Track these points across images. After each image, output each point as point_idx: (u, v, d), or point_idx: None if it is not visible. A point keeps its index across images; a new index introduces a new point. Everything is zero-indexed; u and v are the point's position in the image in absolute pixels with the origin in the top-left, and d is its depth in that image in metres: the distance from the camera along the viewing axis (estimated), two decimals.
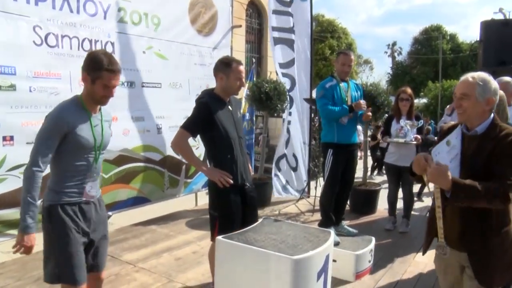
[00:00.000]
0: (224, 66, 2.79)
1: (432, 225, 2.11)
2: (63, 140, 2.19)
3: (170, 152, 4.67)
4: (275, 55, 5.74)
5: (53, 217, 2.22)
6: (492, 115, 2.03)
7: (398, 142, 4.82)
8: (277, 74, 5.82)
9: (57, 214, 2.22)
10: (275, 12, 5.74)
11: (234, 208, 2.76)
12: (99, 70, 2.21)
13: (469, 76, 2.05)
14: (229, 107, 2.82)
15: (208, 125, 2.69)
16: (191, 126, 2.71)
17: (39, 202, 2.13)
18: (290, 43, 5.79)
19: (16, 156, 3.37)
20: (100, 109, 2.40)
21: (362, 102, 4.06)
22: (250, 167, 3.03)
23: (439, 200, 1.95)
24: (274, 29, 5.70)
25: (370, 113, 4.24)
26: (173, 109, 4.70)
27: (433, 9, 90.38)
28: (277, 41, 5.73)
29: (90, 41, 3.87)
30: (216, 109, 2.71)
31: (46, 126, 2.18)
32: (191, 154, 2.81)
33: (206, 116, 2.69)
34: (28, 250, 2.16)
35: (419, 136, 4.84)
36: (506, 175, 1.84)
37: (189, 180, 5.13)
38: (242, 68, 2.84)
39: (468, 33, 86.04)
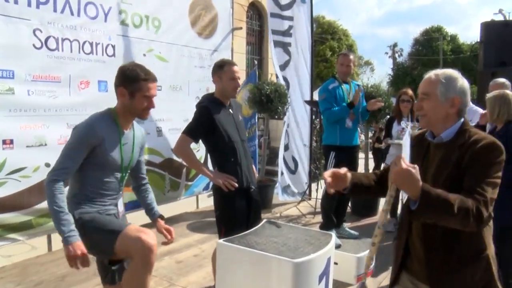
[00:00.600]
0: (218, 68, 2.82)
1: (398, 251, 1.78)
2: (91, 153, 2.11)
3: (170, 154, 4.66)
4: (274, 58, 5.76)
5: (86, 230, 2.10)
6: (462, 119, 1.71)
7: (400, 143, 4.80)
8: (277, 77, 5.83)
9: (88, 218, 2.14)
10: (272, 15, 5.76)
11: (240, 213, 2.75)
12: (137, 81, 2.16)
13: (433, 73, 1.76)
14: (230, 110, 2.82)
15: (209, 129, 2.68)
16: (193, 132, 2.70)
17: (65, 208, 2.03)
18: (285, 46, 5.83)
19: (16, 159, 3.36)
20: (132, 128, 2.33)
21: (358, 90, 4.05)
22: (254, 169, 3.01)
23: (389, 204, 1.62)
24: (273, 32, 5.73)
25: (378, 102, 4.13)
26: (173, 112, 4.69)
27: (433, 10, 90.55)
28: (276, 44, 5.76)
29: (91, 44, 3.86)
30: (216, 113, 2.70)
31: (75, 137, 2.10)
32: (194, 159, 2.82)
33: (207, 120, 2.68)
34: (81, 259, 1.98)
35: None
36: (479, 190, 1.51)
37: (190, 183, 5.11)
38: (235, 68, 2.84)
39: (469, 33, 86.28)
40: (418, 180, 1.46)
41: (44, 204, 3.48)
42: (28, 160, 3.43)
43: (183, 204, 5.35)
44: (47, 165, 3.48)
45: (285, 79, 5.81)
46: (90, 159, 2.11)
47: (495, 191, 1.56)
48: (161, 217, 2.51)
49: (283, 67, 5.81)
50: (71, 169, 2.07)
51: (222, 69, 2.81)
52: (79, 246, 1.97)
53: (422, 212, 1.47)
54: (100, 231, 2.12)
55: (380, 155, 9.99)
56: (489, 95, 3.63)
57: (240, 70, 3.19)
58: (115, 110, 2.23)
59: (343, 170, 1.81)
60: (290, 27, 5.86)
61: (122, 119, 2.24)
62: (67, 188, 2.17)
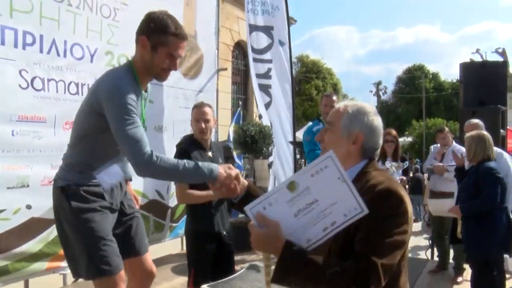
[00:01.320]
0: (191, 111, 2.92)
1: None
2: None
3: (155, 196, 4.60)
4: (258, 100, 5.88)
5: (73, 198, 1.91)
6: (366, 161, 1.47)
7: None
8: (260, 117, 5.92)
9: (78, 194, 1.91)
10: (254, 59, 5.95)
11: (208, 256, 2.77)
12: (165, 34, 1.82)
13: (344, 103, 1.55)
14: (209, 153, 2.84)
15: None
16: None
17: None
18: (265, 88, 5.99)
19: None
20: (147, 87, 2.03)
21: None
22: (228, 214, 3.07)
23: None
24: (256, 75, 5.89)
25: None
26: (158, 153, 4.66)
27: (415, 48, 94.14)
28: (260, 87, 5.92)
29: (77, 84, 3.86)
30: (194, 155, 2.73)
31: (123, 107, 1.76)
32: (200, 195, 2.74)
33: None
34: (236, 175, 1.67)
35: (404, 178, 4.88)
36: (369, 253, 1.22)
37: (174, 224, 5.02)
38: (204, 110, 2.85)
39: (450, 71, 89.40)
40: (277, 239, 1.26)
41: (23, 248, 3.38)
42: (9, 202, 3.34)
43: (168, 246, 5.24)
44: (28, 206, 3.40)
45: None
46: (104, 122, 1.84)
47: (395, 254, 1.27)
48: (131, 179, 2.33)
49: (266, 107, 5.94)
50: (145, 136, 1.81)
51: (192, 111, 2.91)
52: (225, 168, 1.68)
53: (280, 273, 1.25)
54: (91, 248, 1.91)
55: None
56: (466, 135, 3.75)
57: (225, 110, 3.25)
58: (133, 65, 1.93)
59: (235, 171, 1.68)
60: (269, 69, 6.06)
61: (141, 76, 1.94)
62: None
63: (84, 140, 2.03)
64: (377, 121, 1.51)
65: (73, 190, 1.96)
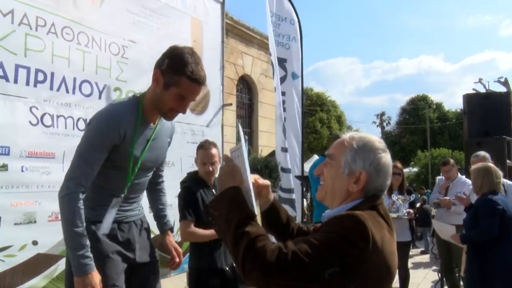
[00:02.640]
0: (197, 149, 2.95)
1: None
2: (110, 152, 1.79)
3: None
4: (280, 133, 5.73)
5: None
6: (361, 200, 1.32)
7: (391, 217, 4.80)
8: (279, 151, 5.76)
9: (89, 233, 1.80)
10: (275, 89, 5.84)
11: None
12: (179, 74, 1.72)
13: (349, 134, 1.41)
14: (213, 190, 2.88)
15: (194, 208, 2.74)
16: (186, 214, 2.78)
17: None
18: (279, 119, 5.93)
19: (2, 238, 3.26)
20: (159, 123, 1.94)
21: None
22: None
23: None
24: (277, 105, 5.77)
25: None
26: (165, 188, 4.68)
27: (418, 79, 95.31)
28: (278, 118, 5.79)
29: (85, 120, 3.90)
30: (199, 192, 2.77)
31: (95, 135, 1.76)
32: (205, 234, 2.77)
33: (190, 199, 2.74)
34: None
35: (411, 211, 4.85)
36: (289, 242, 1.19)
37: None
38: (210, 152, 2.81)
39: (454, 101, 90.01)
40: (234, 180, 1.32)
41: (27, 284, 3.35)
42: (15, 238, 3.33)
43: (173, 281, 5.17)
44: (34, 243, 3.39)
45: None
46: (106, 158, 1.80)
47: (308, 254, 1.12)
48: (171, 229, 2.21)
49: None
50: (90, 176, 1.74)
51: (197, 151, 2.87)
52: (97, 276, 1.66)
53: (214, 203, 1.31)
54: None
55: None
56: (472, 168, 3.76)
57: (231, 144, 3.28)
58: (142, 97, 1.86)
59: (267, 182, 1.59)
60: (284, 101, 6.01)
61: (149, 110, 1.84)
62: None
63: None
64: (386, 159, 1.34)
65: (87, 231, 1.88)
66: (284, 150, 5.37)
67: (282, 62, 5.97)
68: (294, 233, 1.61)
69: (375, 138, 1.40)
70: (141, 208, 2.12)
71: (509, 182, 4.30)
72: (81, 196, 1.74)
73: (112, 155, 1.81)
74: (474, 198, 3.93)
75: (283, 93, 6.00)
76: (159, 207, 2.24)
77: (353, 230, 1.16)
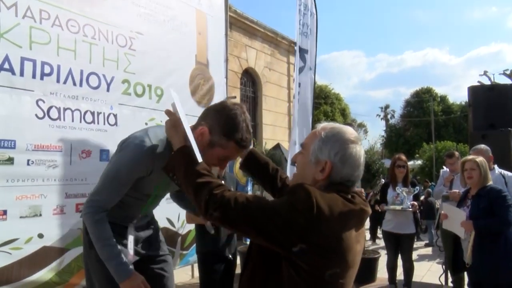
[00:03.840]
0: None
1: None
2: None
3: (165, 223, 4.59)
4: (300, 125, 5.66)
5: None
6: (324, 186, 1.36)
7: (395, 209, 4.80)
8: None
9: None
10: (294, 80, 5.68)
11: (215, 277, 3.10)
12: (228, 138, 1.66)
13: (322, 124, 1.44)
14: (222, 182, 2.93)
15: None
16: None
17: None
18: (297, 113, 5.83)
19: (8, 231, 3.27)
20: None
21: None
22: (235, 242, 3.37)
23: None
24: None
25: None
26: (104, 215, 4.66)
27: (423, 71, 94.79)
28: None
29: (92, 113, 3.90)
30: None
31: (124, 165, 1.77)
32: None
33: None
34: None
35: (415, 203, 4.84)
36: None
37: (185, 252, 4.99)
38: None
39: (459, 94, 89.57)
40: (178, 131, 1.57)
41: (33, 277, 3.37)
42: (21, 231, 3.35)
43: (178, 274, 5.18)
44: (40, 236, 3.41)
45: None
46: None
47: (259, 208, 1.27)
48: None
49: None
50: (113, 204, 1.83)
51: None
52: (139, 277, 1.78)
53: (171, 164, 1.51)
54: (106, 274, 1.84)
55: (375, 220, 9.97)
56: (478, 160, 3.75)
57: None
58: None
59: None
60: (298, 93, 5.90)
61: None
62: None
63: None
64: (354, 150, 1.36)
65: None
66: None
67: (303, 53, 5.75)
68: (278, 181, 1.80)
69: (348, 129, 1.42)
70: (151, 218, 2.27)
71: (509, 173, 4.28)
72: (104, 213, 1.83)
73: (132, 187, 1.87)
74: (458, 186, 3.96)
75: (299, 85, 5.82)
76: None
77: (299, 197, 1.26)
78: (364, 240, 1.44)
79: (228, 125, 1.65)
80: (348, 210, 1.30)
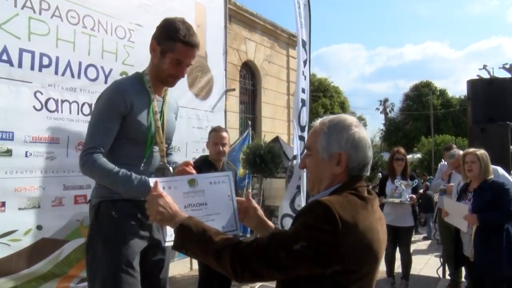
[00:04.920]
0: (209, 133, 3.30)
1: None
2: (123, 125, 1.85)
3: None
4: (301, 118, 5.59)
5: (102, 216, 1.85)
6: (342, 183, 1.33)
7: (394, 202, 4.82)
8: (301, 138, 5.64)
9: (107, 212, 1.84)
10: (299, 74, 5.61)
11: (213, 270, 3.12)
12: (173, 40, 1.83)
13: (319, 120, 1.42)
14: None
15: None
16: None
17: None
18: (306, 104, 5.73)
19: (7, 222, 3.28)
20: (165, 93, 2.01)
21: None
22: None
23: None
24: (302, 90, 5.51)
25: None
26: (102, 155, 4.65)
27: (423, 65, 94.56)
28: (303, 103, 5.58)
29: (90, 105, 3.88)
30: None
31: (103, 106, 1.83)
32: None
33: None
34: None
35: (414, 196, 4.85)
36: (252, 242, 1.26)
37: None
38: (221, 134, 3.19)
39: (458, 87, 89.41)
40: (177, 212, 1.39)
41: (32, 269, 3.38)
42: (20, 222, 3.35)
43: (176, 266, 5.21)
44: (39, 227, 3.42)
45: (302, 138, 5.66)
46: (119, 131, 1.86)
47: (279, 252, 1.18)
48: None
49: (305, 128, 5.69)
50: (105, 146, 1.81)
51: (210, 134, 3.24)
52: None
53: (177, 241, 1.35)
54: (107, 275, 1.80)
55: None
56: (478, 152, 3.74)
57: (234, 130, 3.45)
58: (143, 72, 1.96)
59: (253, 202, 1.62)
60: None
61: (153, 82, 1.93)
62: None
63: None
64: (360, 133, 1.34)
65: (104, 210, 1.89)
66: (302, 138, 5.27)
67: (304, 45, 5.63)
68: None
69: (345, 116, 1.40)
70: None
71: (493, 166, 4.27)
72: (99, 154, 1.80)
73: (124, 127, 1.87)
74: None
75: (306, 78, 5.61)
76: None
77: (319, 216, 1.19)
78: (384, 223, 1.40)
79: (168, 29, 1.83)
80: (368, 210, 1.29)
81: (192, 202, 1.55)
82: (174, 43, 1.83)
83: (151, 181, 1.48)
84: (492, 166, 3.78)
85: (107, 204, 1.87)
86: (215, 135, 3.22)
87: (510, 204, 3.43)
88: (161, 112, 1.99)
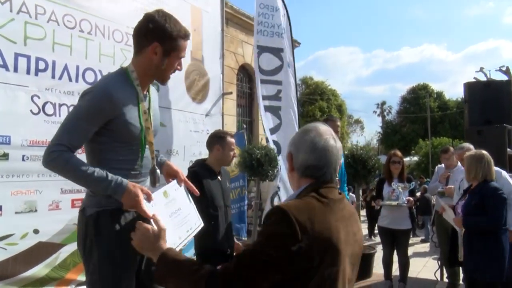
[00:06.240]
0: (219, 139, 3.13)
1: None
2: (106, 127, 1.77)
3: None
4: (264, 122, 5.86)
5: (102, 227, 1.78)
6: (305, 185, 1.40)
7: (391, 205, 4.83)
8: (267, 140, 5.91)
9: (108, 225, 1.78)
10: (262, 81, 5.95)
11: None
12: (175, 39, 1.83)
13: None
14: (219, 177, 2.98)
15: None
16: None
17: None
18: (275, 110, 5.98)
19: (3, 226, 3.26)
20: (149, 87, 1.98)
21: None
22: (233, 236, 3.37)
23: None
24: (263, 97, 5.87)
25: None
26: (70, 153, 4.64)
27: (420, 68, 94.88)
28: (266, 108, 5.89)
29: None
30: (205, 178, 2.89)
31: (86, 106, 1.75)
32: None
33: (195, 185, 2.82)
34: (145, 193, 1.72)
35: (411, 199, 4.87)
36: (229, 263, 1.33)
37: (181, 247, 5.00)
38: (233, 140, 3.19)
39: (455, 90, 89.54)
40: (156, 245, 1.44)
41: (29, 273, 3.36)
42: (16, 226, 3.34)
43: None
44: (36, 231, 3.41)
45: (276, 142, 5.87)
46: (105, 135, 1.79)
47: (251, 267, 1.27)
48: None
49: (274, 130, 5.91)
50: (78, 147, 1.74)
51: (224, 140, 3.11)
52: (134, 184, 1.70)
53: (158, 274, 1.40)
54: (103, 282, 1.78)
55: (372, 216, 10.03)
56: (466, 155, 3.75)
57: (231, 133, 3.50)
58: (128, 68, 1.90)
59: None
60: (279, 91, 6.04)
61: (141, 79, 1.88)
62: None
63: (92, 153, 1.94)
64: (308, 137, 1.41)
65: (104, 223, 1.82)
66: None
67: (279, 52, 6.04)
68: None
69: (309, 125, 1.47)
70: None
71: (497, 169, 4.29)
72: (71, 154, 1.73)
73: (114, 130, 1.81)
74: (464, 185, 3.95)
75: (280, 82, 6.02)
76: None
77: (277, 221, 1.27)
78: (357, 221, 1.48)
79: (167, 30, 1.82)
80: (326, 213, 1.33)
81: (172, 210, 1.74)
82: (177, 42, 1.85)
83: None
84: (496, 169, 3.76)
85: (106, 214, 1.81)
86: (231, 142, 3.13)
87: (497, 210, 3.37)
88: (149, 109, 1.96)
